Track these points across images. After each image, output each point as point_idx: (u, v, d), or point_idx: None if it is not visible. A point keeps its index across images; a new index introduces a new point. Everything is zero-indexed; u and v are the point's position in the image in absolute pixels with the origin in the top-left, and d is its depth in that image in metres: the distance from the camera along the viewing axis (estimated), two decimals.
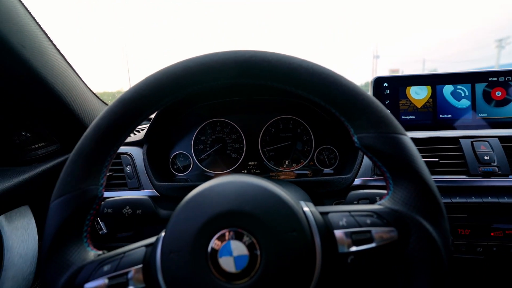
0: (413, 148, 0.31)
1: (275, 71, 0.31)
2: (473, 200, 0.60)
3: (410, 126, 0.79)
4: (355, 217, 0.29)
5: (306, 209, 0.29)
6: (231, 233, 0.26)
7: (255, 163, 0.80)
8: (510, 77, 0.76)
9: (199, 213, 0.27)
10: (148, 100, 0.32)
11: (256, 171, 0.80)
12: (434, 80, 0.79)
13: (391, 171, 0.31)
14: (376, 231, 0.28)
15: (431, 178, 0.30)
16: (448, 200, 0.60)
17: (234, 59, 0.31)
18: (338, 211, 0.30)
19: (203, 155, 0.82)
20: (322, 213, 0.30)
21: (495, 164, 0.61)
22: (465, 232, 0.60)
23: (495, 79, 0.76)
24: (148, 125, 0.75)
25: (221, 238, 0.26)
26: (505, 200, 0.59)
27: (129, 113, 0.32)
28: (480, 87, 0.77)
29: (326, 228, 0.28)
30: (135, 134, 0.81)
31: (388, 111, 0.32)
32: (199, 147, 0.82)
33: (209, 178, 0.82)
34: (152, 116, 0.74)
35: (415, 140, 0.67)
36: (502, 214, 0.59)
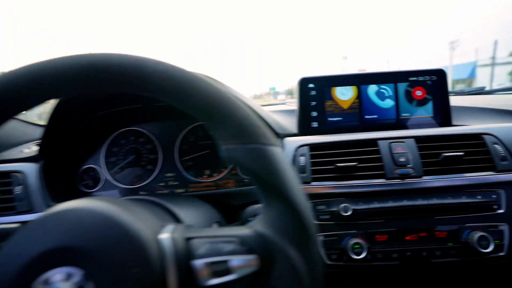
0: (280, 161, 0.26)
1: (123, 75, 0.25)
2: (390, 204, 0.58)
3: (338, 128, 0.76)
4: (217, 244, 0.25)
5: (164, 236, 0.25)
6: (58, 274, 0.22)
7: (174, 174, 0.73)
8: (428, 77, 0.76)
9: (20, 252, 0.22)
10: None
11: (175, 183, 0.73)
12: (359, 80, 0.78)
13: (261, 188, 0.27)
14: (235, 260, 0.24)
15: (302, 196, 0.26)
16: (365, 206, 0.58)
17: (69, 66, 0.25)
18: (203, 237, 0.26)
19: (115, 168, 0.73)
20: (188, 239, 0.25)
21: (410, 165, 0.60)
22: (382, 238, 0.58)
23: (415, 78, 0.76)
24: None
25: (47, 282, 0.21)
26: (419, 202, 0.57)
27: None
28: (402, 86, 0.77)
29: (186, 258, 0.24)
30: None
31: (254, 118, 0.27)
32: (111, 160, 0.73)
33: (125, 193, 0.73)
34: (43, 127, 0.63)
35: (334, 145, 0.63)
36: (417, 217, 0.58)
